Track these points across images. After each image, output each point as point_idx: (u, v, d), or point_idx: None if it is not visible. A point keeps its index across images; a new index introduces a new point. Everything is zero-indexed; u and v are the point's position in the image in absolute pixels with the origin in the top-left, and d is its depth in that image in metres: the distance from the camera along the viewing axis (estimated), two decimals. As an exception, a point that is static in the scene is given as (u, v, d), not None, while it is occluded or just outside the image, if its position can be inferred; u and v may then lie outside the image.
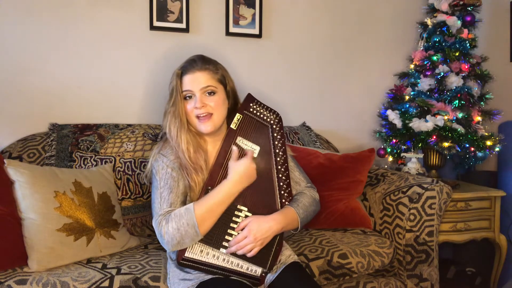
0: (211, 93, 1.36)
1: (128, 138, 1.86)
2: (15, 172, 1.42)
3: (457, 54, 2.22)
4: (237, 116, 1.39)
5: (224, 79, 1.41)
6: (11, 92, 1.87)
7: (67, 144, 1.78)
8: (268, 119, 1.42)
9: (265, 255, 1.32)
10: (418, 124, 2.19)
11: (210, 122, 1.35)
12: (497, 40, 2.58)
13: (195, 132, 1.39)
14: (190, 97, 1.36)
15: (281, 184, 1.39)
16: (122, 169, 1.79)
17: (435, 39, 2.27)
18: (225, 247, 1.29)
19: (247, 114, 1.41)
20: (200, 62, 1.38)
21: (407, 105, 2.32)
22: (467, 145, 2.13)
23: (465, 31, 2.26)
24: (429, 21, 2.35)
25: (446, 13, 2.28)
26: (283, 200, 1.39)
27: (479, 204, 2.08)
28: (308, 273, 1.36)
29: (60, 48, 1.94)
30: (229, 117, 1.43)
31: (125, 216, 1.76)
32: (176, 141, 1.35)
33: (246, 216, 1.32)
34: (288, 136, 2.17)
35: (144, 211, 1.81)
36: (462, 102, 2.19)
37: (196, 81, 1.35)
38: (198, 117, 1.35)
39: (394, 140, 2.33)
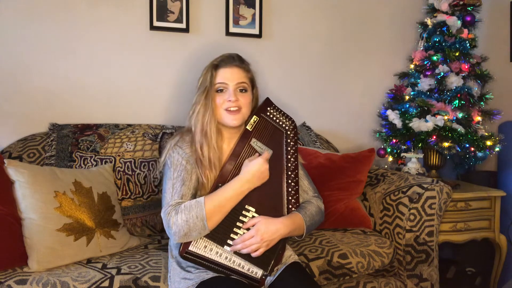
0: (243, 90, 1.39)
1: (128, 138, 1.86)
2: (15, 172, 1.42)
3: (457, 54, 2.22)
4: (254, 118, 1.41)
5: (254, 81, 1.46)
6: (11, 92, 1.87)
7: (67, 144, 1.78)
8: (284, 125, 1.44)
9: (268, 258, 1.32)
10: (418, 124, 2.19)
11: (239, 115, 1.38)
12: (497, 40, 2.58)
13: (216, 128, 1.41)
14: (221, 90, 1.38)
15: (290, 190, 1.39)
16: (122, 169, 1.79)
17: (435, 39, 2.27)
18: (230, 245, 1.29)
19: (263, 117, 1.43)
20: (238, 59, 1.43)
21: (407, 105, 2.32)
22: (467, 145, 2.13)
23: (465, 31, 2.26)
24: (429, 21, 2.35)
25: (446, 13, 2.28)
26: (290, 206, 1.39)
27: (479, 204, 2.08)
28: (308, 273, 1.36)
29: (60, 48, 1.94)
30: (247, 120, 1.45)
31: (125, 216, 1.76)
32: (203, 131, 1.35)
33: (254, 217, 1.32)
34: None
35: (144, 211, 1.81)
36: (462, 102, 2.19)
37: (232, 75, 1.38)
38: (227, 110, 1.37)
39: (394, 140, 2.33)
